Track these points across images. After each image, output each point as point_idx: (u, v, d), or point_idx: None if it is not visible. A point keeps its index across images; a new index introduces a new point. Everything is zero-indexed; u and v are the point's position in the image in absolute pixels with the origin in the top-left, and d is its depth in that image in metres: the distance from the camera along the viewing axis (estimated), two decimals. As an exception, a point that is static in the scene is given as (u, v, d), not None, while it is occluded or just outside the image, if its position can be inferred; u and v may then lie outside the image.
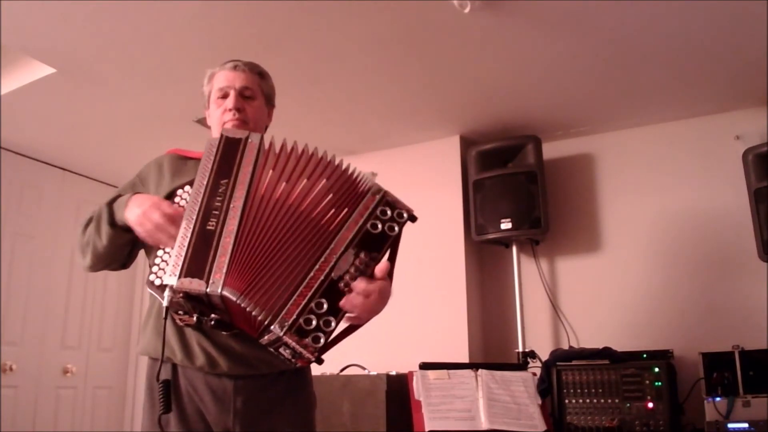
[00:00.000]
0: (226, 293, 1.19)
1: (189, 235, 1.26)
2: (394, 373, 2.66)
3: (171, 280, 1.22)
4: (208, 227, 1.26)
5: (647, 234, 3.31)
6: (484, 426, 2.43)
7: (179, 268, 1.22)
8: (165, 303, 1.23)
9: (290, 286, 1.20)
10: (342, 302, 1.21)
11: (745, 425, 2.48)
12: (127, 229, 1.40)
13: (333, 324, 1.19)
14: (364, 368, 2.88)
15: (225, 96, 1.60)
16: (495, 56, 2.79)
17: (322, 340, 1.16)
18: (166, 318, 1.28)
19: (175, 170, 1.53)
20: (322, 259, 1.23)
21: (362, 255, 1.26)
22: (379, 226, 1.29)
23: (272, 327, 1.16)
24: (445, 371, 2.61)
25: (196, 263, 1.22)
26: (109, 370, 4.22)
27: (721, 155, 3.21)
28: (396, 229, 1.30)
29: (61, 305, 3.94)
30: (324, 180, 1.34)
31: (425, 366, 2.65)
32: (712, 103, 3.20)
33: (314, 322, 1.17)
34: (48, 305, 3.86)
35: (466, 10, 2.36)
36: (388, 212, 1.31)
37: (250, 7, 2.42)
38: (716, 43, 2.65)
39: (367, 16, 2.49)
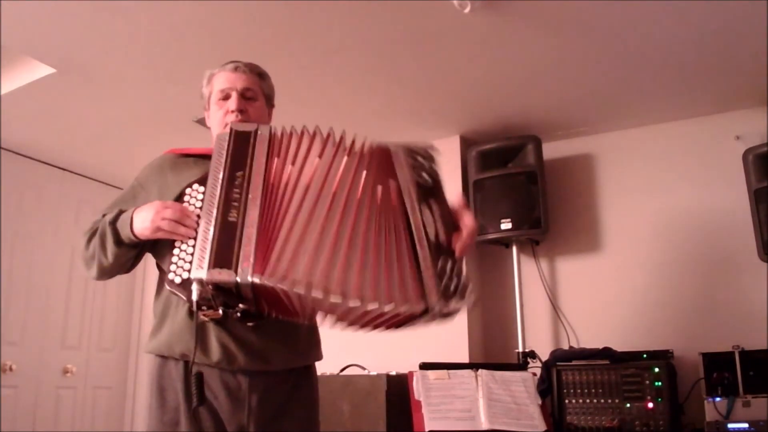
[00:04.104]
0: (262, 280, 1.19)
1: (211, 227, 1.26)
2: (394, 373, 2.65)
3: (199, 273, 1.22)
4: (230, 218, 1.27)
5: (647, 234, 3.31)
6: (484, 426, 2.43)
7: (206, 260, 1.22)
8: (195, 297, 1.23)
9: (405, 271, 1.23)
10: (458, 250, 1.29)
11: (745, 425, 2.48)
12: (134, 245, 1.42)
13: (463, 273, 1.25)
14: (364, 368, 2.88)
15: (226, 97, 1.59)
16: (495, 56, 2.79)
17: (468, 291, 1.23)
18: (197, 311, 1.28)
19: (177, 169, 1.53)
20: (416, 236, 1.27)
21: (433, 206, 1.32)
22: (425, 176, 1.35)
23: (422, 318, 1.21)
24: (445, 371, 2.61)
25: (223, 254, 1.23)
26: (109, 370, 4.22)
27: (721, 155, 3.21)
28: (436, 170, 1.38)
29: (61, 305, 3.94)
30: (345, 158, 1.37)
31: (425, 366, 2.65)
32: (712, 103, 3.20)
33: (453, 283, 1.23)
34: (48, 305, 3.86)
35: (466, 10, 2.36)
36: (419, 158, 1.38)
37: (250, 7, 2.42)
38: (716, 43, 2.65)
39: (367, 16, 2.49)
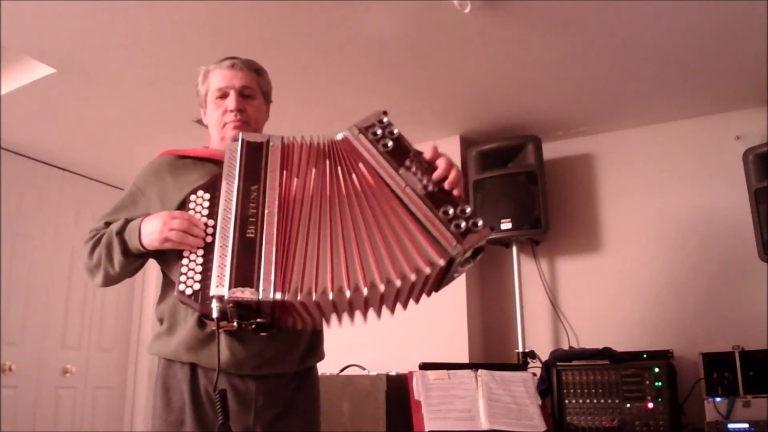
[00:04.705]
0: (284, 297, 1.20)
1: (229, 244, 1.27)
2: (394, 373, 2.65)
3: (220, 290, 1.22)
4: (248, 235, 1.27)
5: (647, 234, 3.31)
6: (484, 426, 2.43)
7: (226, 278, 1.23)
8: (215, 314, 1.23)
9: (414, 236, 1.24)
10: (454, 193, 1.32)
11: (745, 425, 2.48)
12: (140, 255, 1.42)
13: (468, 207, 1.29)
14: (364, 368, 2.88)
15: (224, 96, 1.56)
16: (495, 56, 2.79)
17: (480, 222, 1.27)
18: (219, 328, 1.28)
19: (176, 173, 1.50)
20: (407, 200, 1.29)
21: (409, 164, 1.35)
22: (388, 142, 1.38)
23: (454, 267, 1.25)
24: (444, 371, 2.61)
25: (244, 272, 1.23)
26: (109, 370, 4.22)
27: (721, 155, 3.21)
28: (395, 131, 1.40)
29: (61, 305, 3.94)
30: (327, 161, 1.38)
31: (425, 366, 2.65)
32: (712, 103, 3.20)
33: (463, 221, 1.26)
34: (48, 305, 3.86)
35: (466, 10, 2.36)
36: (376, 131, 1.40)
37: (250, 7, 2.42)
38: (716, 43, 2.65)
39: (367, 16, 2.49)
